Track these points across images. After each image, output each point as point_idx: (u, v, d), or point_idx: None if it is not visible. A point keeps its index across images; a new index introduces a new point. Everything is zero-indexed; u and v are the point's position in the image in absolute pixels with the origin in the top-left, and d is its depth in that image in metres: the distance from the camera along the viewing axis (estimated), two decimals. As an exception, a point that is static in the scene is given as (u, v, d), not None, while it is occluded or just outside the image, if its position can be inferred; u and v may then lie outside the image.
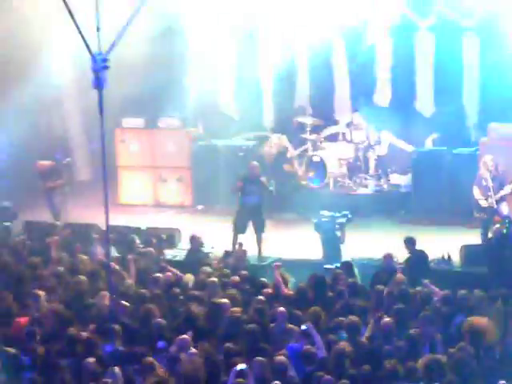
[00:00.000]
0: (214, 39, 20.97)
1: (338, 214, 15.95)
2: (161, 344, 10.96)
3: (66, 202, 18.18)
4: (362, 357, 10.37)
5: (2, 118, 21.17)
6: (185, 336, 10.85)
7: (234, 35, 21.09)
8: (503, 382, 9.52)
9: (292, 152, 20.14)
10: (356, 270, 13.97)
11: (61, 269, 13.86)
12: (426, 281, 12.94)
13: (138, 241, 15.40)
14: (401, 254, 14.49)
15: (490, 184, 15.75)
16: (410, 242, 14.46)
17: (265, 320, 11.65)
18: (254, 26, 20.92)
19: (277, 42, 20.88)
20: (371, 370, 9.95)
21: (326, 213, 16.11)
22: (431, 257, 14.86)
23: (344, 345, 10.58)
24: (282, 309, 11.65)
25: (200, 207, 20.09)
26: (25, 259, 14.67)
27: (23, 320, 12.05)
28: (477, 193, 15.92)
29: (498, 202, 15.76)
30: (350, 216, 16.01)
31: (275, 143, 20.10)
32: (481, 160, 16.15)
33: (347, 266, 14.00)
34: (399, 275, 13.12)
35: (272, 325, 11.59)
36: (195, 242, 15.23)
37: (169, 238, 16.78)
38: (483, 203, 15.79)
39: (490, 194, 15.73)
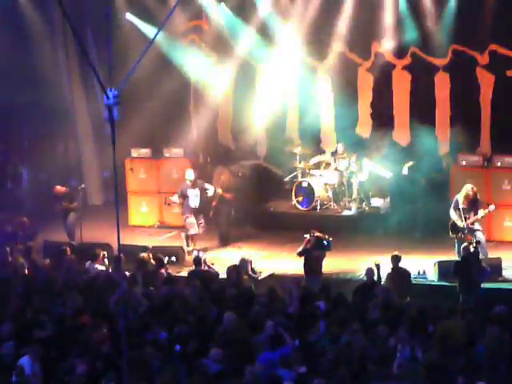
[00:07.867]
0: (215, 78, 21.14)
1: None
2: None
3: (79, 224, 18.03)
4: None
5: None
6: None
7: (234, 74, 21.24)
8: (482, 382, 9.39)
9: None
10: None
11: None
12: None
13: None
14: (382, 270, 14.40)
15: (467, 208, 15.69)
16: (395, 259, 14.40)
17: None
18: (251, 67, 21.11)
19: (271, 82, 20.98)
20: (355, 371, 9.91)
21: None
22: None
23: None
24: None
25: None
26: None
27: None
28: (453, 215, 15.84)
29: (472, 224, 15.69)
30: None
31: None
32: (463, 187, 15.86)
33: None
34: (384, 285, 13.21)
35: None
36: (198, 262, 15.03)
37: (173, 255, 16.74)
38: (460, 224, 15.71)
39: (466, 216, 15.67)
